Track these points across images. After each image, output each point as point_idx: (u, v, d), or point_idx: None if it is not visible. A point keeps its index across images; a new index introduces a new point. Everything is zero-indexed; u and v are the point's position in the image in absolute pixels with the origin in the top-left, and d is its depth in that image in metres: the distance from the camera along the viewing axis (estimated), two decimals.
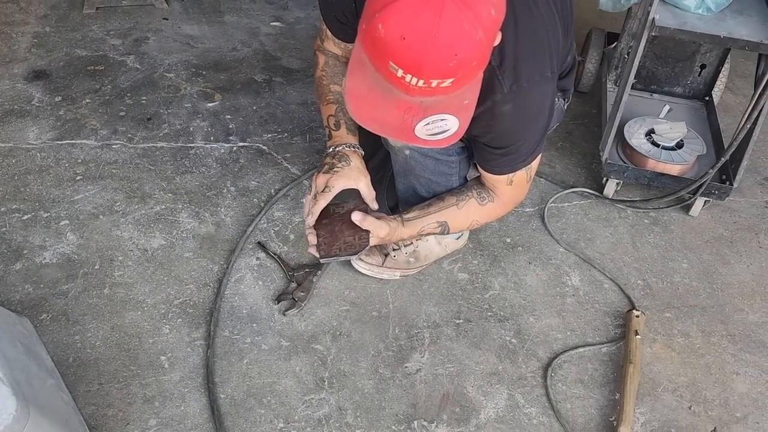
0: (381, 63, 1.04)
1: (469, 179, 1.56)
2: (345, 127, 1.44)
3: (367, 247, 1.40)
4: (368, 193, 1.42)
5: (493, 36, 1.06)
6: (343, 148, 1.41)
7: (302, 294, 1.61)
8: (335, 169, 1.39)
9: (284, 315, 1.58)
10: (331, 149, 1.42)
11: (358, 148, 1.44)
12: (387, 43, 1.00)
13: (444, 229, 1.48)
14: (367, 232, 1.39)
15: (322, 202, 1.37)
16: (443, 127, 1.09)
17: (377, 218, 1.41)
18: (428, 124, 1.09)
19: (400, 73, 1.02)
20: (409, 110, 1.08)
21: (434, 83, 1.03)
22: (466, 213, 1.47)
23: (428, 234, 1.50)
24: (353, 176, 1.39)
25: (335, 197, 1.39)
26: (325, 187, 1.38)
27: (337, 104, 1.45)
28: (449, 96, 1.07)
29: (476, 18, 0.99)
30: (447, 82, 1.03)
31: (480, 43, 1.01)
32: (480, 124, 1.29)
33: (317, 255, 1.39)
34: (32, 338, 1.36)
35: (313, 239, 1.40)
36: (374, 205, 1.45)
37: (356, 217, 1.37)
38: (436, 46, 0.98)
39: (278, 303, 1.60)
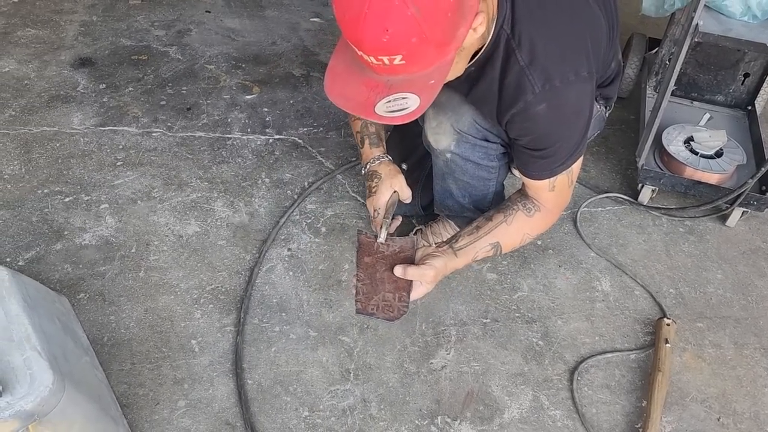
0: (348, 42, 1.07)
1: (505, 185, 1.55)
2: (368, 142, 1.54)
3: (405, 314, 1.34)
4: (404, 192, 1.49)
5: (435, 13, 0.99)
6: (370, 165, 1.52)
7: (386, 220, 1.50)
8: (372, 190, 1.49)
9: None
10: (363, 171, 1.54)
11: (384, 157, 1.52)
12: (339, 23, 1.04)
13: (497, 251, 1.43)
14: (408, 292, 1.34)
15: (384, 228, 1.41)
16: (403, 105, 1.09)
17: (423, 263, 1.34)
18: (389, 101, 1.09)
19: (358, 51, 1.04)
20: (375, 88, 1.09)
21: (386, 60, 1.03)
22: (516, 227, 1.42)
23: (482, 258, 1.45)
24: (386, 189, 1.48)
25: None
26: (374, 211, 1.47)
27: (362, 121, 1.54)
28: (415, 75, 1.07)
29: None
30: (398, 59, 1.02)
31: (413, 18, 0.97)
32: (515, 126, 1.29)
33: (355, 305, 1.33)
34: (69, 316, 1.41)
35: (353, 287, 1.34)
36: (408, 201, 1.50)
37: (398, 271, 1.31)
38: (367, 22, 0.98)
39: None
